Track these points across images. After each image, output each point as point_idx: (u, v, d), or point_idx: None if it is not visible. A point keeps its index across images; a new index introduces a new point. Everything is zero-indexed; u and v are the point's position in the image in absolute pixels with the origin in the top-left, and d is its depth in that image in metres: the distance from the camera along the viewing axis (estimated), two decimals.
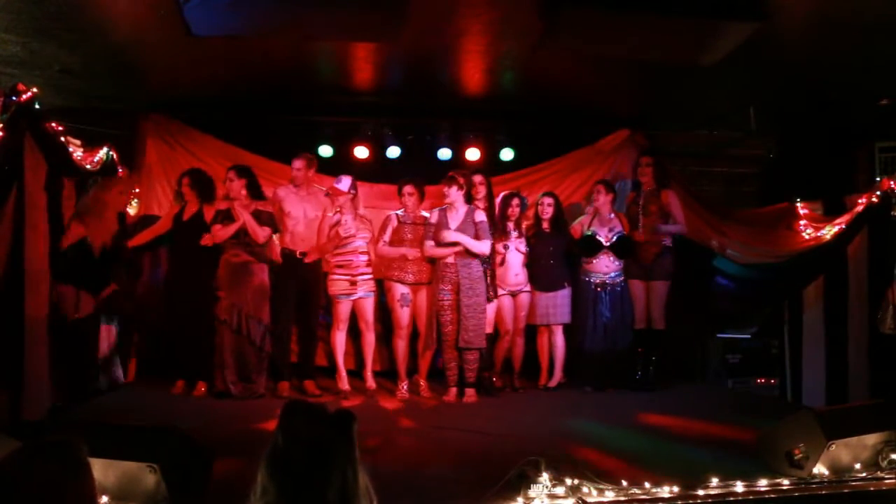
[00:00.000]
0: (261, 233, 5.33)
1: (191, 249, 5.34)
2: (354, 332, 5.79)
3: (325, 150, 6.46)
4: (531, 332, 5.97)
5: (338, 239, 5.46)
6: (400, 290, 5.51)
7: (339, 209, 5.52)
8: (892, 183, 4.70)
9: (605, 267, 5.83)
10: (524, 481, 2.99)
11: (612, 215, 5.90)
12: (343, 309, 5.53)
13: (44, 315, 4.15)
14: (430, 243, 5.43)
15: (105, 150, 4.96)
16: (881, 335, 4.55)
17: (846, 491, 3.14)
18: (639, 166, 6.04)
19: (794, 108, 6.58)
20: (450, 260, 5.38)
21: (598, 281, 5.85)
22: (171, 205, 5.83)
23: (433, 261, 5.45)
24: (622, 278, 5.87)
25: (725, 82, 5.64)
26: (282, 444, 1.45)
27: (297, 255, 5.50)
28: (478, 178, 5.68)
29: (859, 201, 4.78)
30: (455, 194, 5.40)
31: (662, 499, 3.02)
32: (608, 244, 5.79)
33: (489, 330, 5.53)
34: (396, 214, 5.63)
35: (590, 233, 5.86)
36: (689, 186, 6.31)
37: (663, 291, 5.82)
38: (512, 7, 4.33)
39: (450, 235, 5.35)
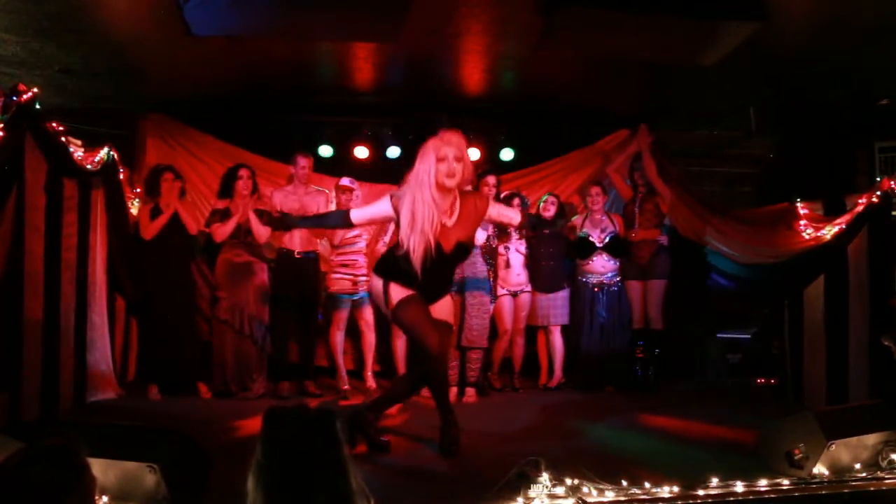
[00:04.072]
0: (263, 232, 5.35)
1: (169, 247, 5.31)
2: (354, 332, 5.80)
3: (325, 150, 6.47)
4: (531, 332, 5.98)
5: (343, 238, 5.48)
6: None
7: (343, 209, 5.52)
8: (892, 183, 4.69)
9: (602, 267, 5.86)
10: (524, 481, 2.98)
11: (604, 216, 5.93)
12: (343, 308, 5.53)
13: (40, 316, 4.15)
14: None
15: (106, 150, 4.97)
16: (880, 335, 4.55)
17: (846, 491, 3.14)
18: (635, 170, 6.07)
19: (794, 108, 6.58)
20: None
21: (594, 281, 5.87)
22: (142, 202, 5.66)
23: None
24: (619, 278, 5.90)
25: (725, 82, 5.65)
26: (262, 452, 1.44)
27: (296, 255, 5.50)
28: (491, 180, 5.66)
29: (859, 201, 4.76)
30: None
31: (662, 499, 3.02)
32: (601, 245, 5.83)
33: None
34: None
35: (583, 234, 5.89)
36: (688, 185, 6.31)
37: (660, 291, 5.83)
38: (512, 7, 4.33)
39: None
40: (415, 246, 3.55)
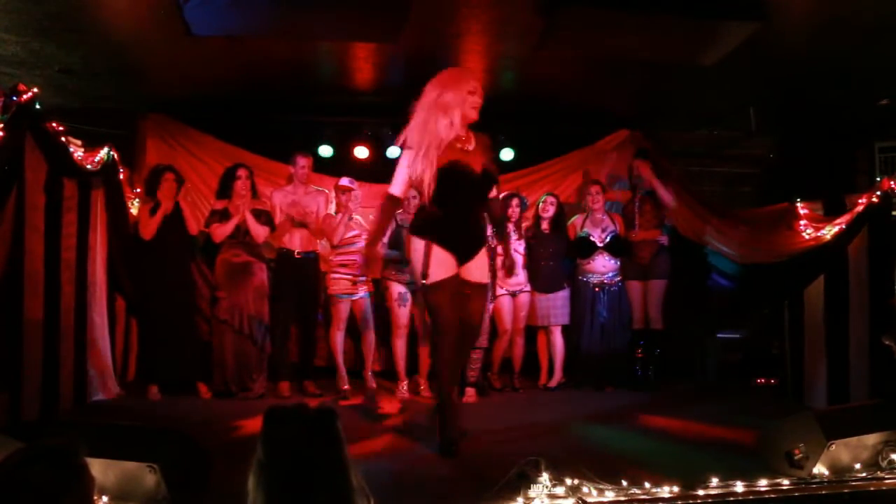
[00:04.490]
0: (261, 232, 5.35)
1: (169, 247, 5.30)
2: (354, 332, 5.80)
3: (325, 150, 6.47)
4: (531, 332, 5.98)
5: (343, 238, 5.48)
6: (398, 289, 5.51)
7: (342, 209, 5.51)
8: (892, 183, 4.70)
9: (603, 267, 5.86)
10: (524, 481, 2.98)
11: (605, 215, 5.94)
12: (343, 308, 5.53)
13: (40, 316, 4.15)
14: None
15: (106, 150, 4.98)
16: (881, 335, 4.55)
17: (846, 491, 3.14)
18: (632, 169, 6.06)
19: (794, 108, 6.58)
20: None
21: (595, 281, 5.87)
22: (142, 202, 5.62)
23: None
24: (619, 278, 5.90)
25: (725, 82, 5.65)
26: (263, 452, 1.44)
27: (296, 255, 5.50)
28: None
29: (859, 201, 4.77)
30: None
31: (662, 499, 3.02)
32: (602, 245, 5.83)
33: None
34: (394, 217, 5.62)
35: (583, 234, 5.88)
36: (688, 185, 6.32)
37: (661, 291, 5.83)
38: (512, 7, 4.33)
39: None
40: (421, 172, 3.56)
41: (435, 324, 3.80)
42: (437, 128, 3.57)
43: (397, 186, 3.77)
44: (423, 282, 3.72)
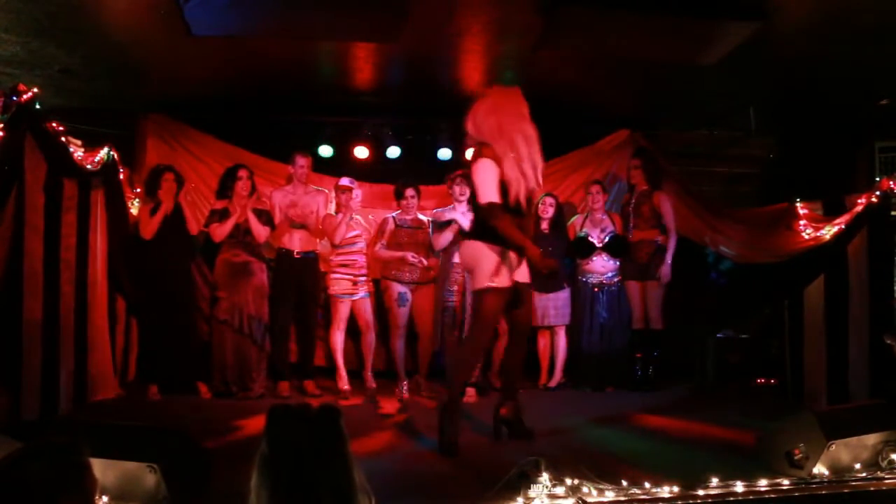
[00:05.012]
0: (262, 232, 5.36)
1: (170, 247, 5.30)
2: (354, 332, 5.80)
3: (325, 150, 6.47)
4: (531, 332, 5.96)
5: (343, 237, 5.48)
6: (397, 289, 5.51)
7: (342, 209, 5.51)
8: (891, 183, 4.70)
9: (602, 267, 5.86)
10: (524, 481, 2.98)
11: (605, 216, 5.94)
12: (343, 308, 5.53)
13: (40, 316, 4.15)
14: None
15: (106, 150, 4.98)
16: (882, 334, 4.56)
17: (846, 491, 3.14)
18: (630, 168, 6.06)
19: (794, 108, 6.58)
20: (457, 259, 5.38)
21: (594, 281, 5.88)
22: (142, 202, 5.62)
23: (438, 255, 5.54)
24: (619, 278, 5.90)
25: (725, 82, 5.64)
26: (267, 450, 1.44)
27: (296, 255, 5.51)
28: None
29: (859, 201, 4.78)
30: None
31: (662, 499, 3.02)
32: (601, 245, 5.83)
33: None
34: (393, 217, 5.63)
35: (582, 234, 5.89)
36: (687, 185, 6.31)
37: (660, 291, 5.82)
38: (511, 7, 4.33)
39: (445, 213, 5.41)
40: (515, 180, 3.77)
41: (480, 326, 3.92)
42: (534, 140, 3.82)
43: (496, 194, 3.81)
44: (490, 284, 3.82)
